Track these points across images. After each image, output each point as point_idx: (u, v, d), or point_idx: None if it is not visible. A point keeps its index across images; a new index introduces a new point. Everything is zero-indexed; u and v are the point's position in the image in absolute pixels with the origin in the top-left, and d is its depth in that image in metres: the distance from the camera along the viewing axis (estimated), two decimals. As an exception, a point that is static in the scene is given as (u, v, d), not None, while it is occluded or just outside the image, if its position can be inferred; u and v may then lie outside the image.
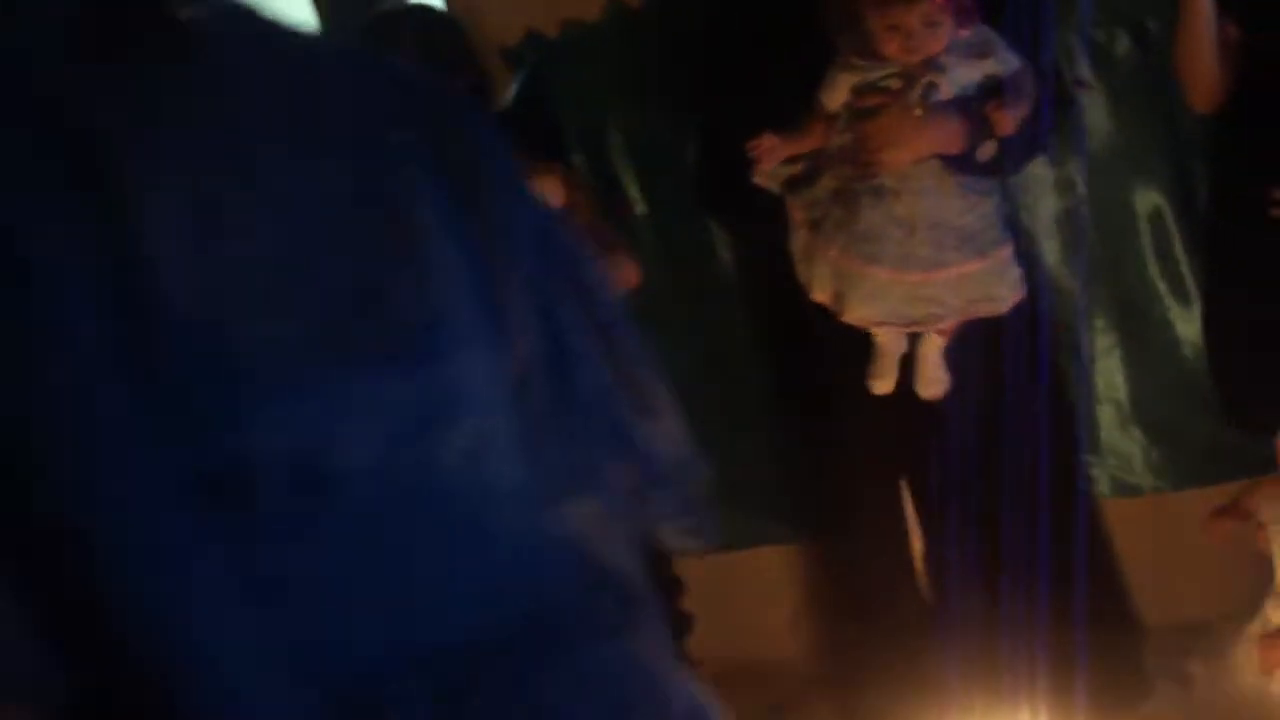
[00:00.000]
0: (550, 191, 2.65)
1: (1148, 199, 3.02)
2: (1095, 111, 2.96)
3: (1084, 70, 2.92)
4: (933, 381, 2.70)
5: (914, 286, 2.56)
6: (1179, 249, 3.03)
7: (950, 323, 2.61)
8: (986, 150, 2.55)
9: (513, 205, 0.83)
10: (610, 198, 3.03)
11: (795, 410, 2.92)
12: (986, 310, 2.60)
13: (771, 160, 2.55)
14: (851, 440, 2.78)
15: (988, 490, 2.66)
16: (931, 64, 2.50)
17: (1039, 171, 2.95)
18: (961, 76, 2.53)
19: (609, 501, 0.82)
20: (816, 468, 2.88)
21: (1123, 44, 2.92)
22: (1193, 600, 3.08)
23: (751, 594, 3.29)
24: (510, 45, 3.07)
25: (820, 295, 2.61)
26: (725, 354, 3.14)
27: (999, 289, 2.60)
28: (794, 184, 2.62)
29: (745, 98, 2.62)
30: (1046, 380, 2.81)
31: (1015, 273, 2.62)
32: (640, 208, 3.09)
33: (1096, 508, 2.96)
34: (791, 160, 2.59)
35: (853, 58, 2.53)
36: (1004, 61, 2.54)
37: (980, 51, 2.54)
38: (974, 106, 2.53)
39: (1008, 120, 2.53)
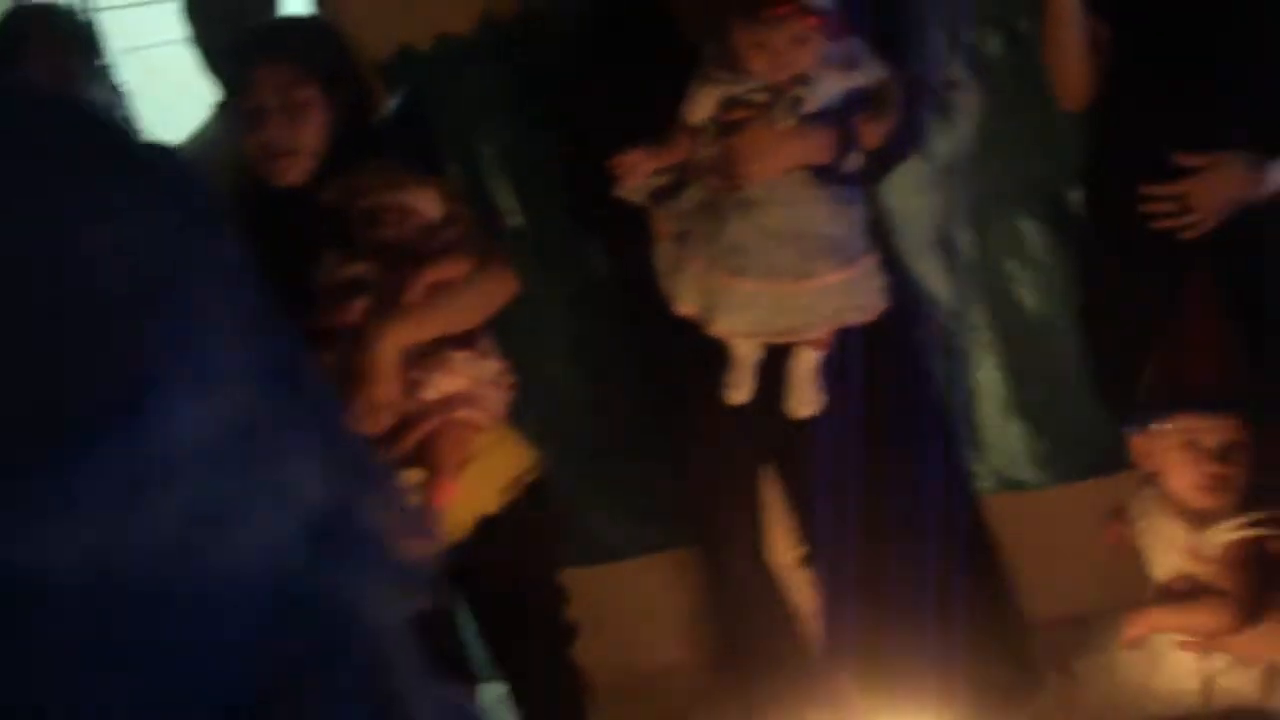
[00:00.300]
0: (428, 204, 2.63)
1: (1023, 196, 3.08)
2: (968, 109, 3.01)
3: (957, 71, 2.97)
4: (805, 401, 2.70)
5: (782, 297, 2.57)
6: (1055, 245, 3.09)
7: (820, 333, 2.62)
8: (853, 161, 2.57)
9: (212, 277, 0.75)
10: (486, 210, 3.01)
11: (668, 419, 2.90)
12: (855, 318, 2.61)
13: (636, 176, 2.54)
14: (721, 448, 2.79)
15: (866, 492, 2.67)
16: (798, 77, 2.50)
17: (914, 170, 2.97)
18: (829, 88, 2.53)
19: (338, 562, 0.76)
20: (688, 476, 2.89)
21: (994, 44, 2.98)
22: (1080, 594, 3.10)
23: (641, 602, 3.31)
24: (383, 59, 3.04)
25: (687, 308, 2.60)
26: (600, 365, 3.14)
27: (866, 297, 2.62)
28: (659, 196, 2.61)
29: (610, 111, 2.61)
30: (922, 382, 2.89)
31: (881, 280, 2.64)
32: (515, 219, 3.08)
33: (978, 504, 3.00)
34: (657, 172, 2.58)
35: (718, 71, 2.51)
36: (871, 72, 2.55)
37: (848, 63, 2.54)
38: (841, 118, 2.55)
39: (875, 132, 2.56)
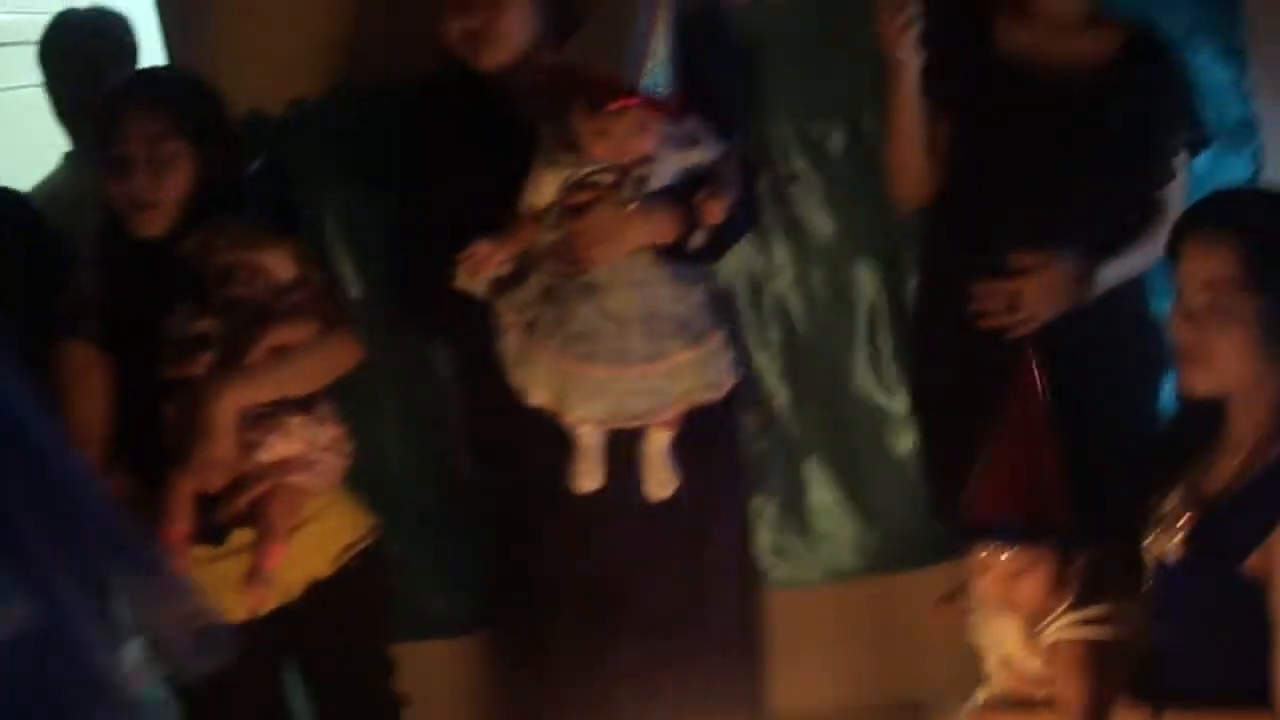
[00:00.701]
0: (280, 265, 2.62)
1: (861, 289, 3.11)
2: (809, 203, 3.04)
3: (797, 163, 3.01)
4: (662, 481, 2.68)
5: (634, 380, 2.56)
6: (889, 339, 3.12)
7: (672, 414, 2.61)
8: (697, 239, 2.57)
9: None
10: (326, 279, 2.94)
11: (499, 500, 2.87)
12: (706, 397, 2.62)
13: (486, 268, 2.52)
14: (550, 534, 2.75)
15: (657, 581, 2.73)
16: (642, 159, 2.51)
17: (752, 260, 3.03)
18: (670, 167, 2.53)
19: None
20: (516, 559, 2.85)
21: (837, 139, 3.01)
22: (912, 679, 3.18)
23: (470, 678, 3.27)
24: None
25: (539, 399, 2.58)
26: (437, 444, 3.10)
27: (716, 375, 2.62)
28: (502, 286, 2.58)
29: (445, 195, 2.60)
30: (731, 473, 2.89)
31: (729, 357, 2.65)
32: (355, 290, 3.04)
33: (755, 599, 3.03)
34: (501, 263, 2.55)
35: (561, 153, 2.51)
36: (709, 149, 2.56)
37: (688, 142, 2.55)
38: (683, 196, 2.55)
39: (717, 208, 2.55)
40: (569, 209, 2.50)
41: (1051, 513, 2.28)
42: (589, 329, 2.52)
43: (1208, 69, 3.06)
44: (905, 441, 3.11)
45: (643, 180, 2.51)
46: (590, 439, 2.63)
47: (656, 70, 2.43)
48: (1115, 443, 2.59)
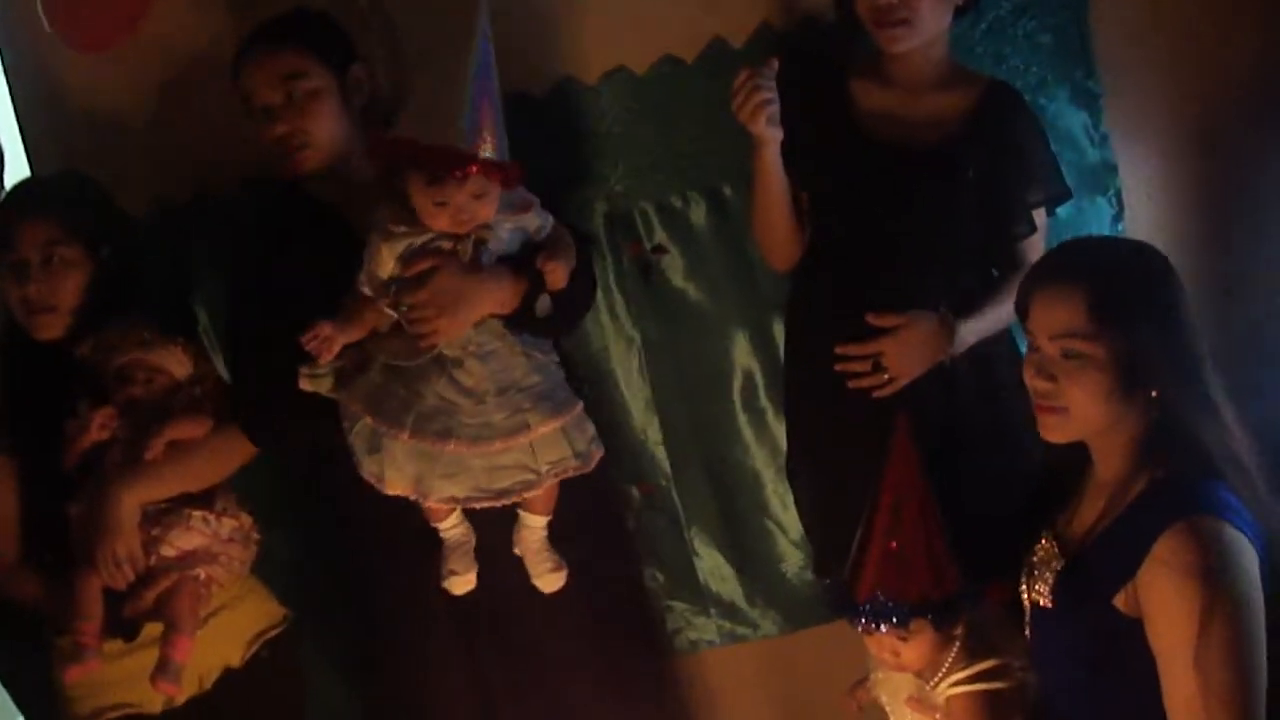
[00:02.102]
0: (174, 363, 2.68)
1: (735, 357, 3.10)
2: (676, 274, 3.05)
3: (660, 235, 3.02)
4: (549, 572, 2.67)
5: (496, 455, 2.51)
6: (766, 404, 3.12)
7: (542, 489, 2.57)
8: (543, 305, 2.55)
9: None
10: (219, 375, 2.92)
11: (370, 610, 2.83)
12: (575, 469, 2.58)
13: (330, 350, 2.46)
14: (433, 636, 2.74)
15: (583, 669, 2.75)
16: (480, 227, 2.49)
17: (623, 335, 3.05)
18: (506, 233, 2.52)
19: None
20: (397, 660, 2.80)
21: (699, 209, 3.02)
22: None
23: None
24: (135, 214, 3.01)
25: (396, 488, 2.51)
26: (319, 544, 3.04)
27: (582, 444, 2.58)
28: (345, 378, 2.52)
29: (282, 300, 2.55)
30: (627, 545, 2.97)
31: (592, 427, 2.63)
32: None
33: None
34: (341, 355, 2.51)
35: (395, 226, 2.47)
36: (541, 216, 2.56)
37: (522, 207, 2.54)
38: (523, 262, 2.53)
39: (559, 272, 2.54)
40: (410, 280, 2.47)
41: (934, 586, 2.28)
42: (443, 406, 2.48)
43: (1063, 114, 3.10)
44: (787, 504, 3.10)
45: (482, 243, 2.49)
46: (455, 534, 2.62)
47: (492, 137, 2.44)
48: (995, 496, 2.57)
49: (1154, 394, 2.09)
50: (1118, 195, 3.20)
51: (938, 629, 2.30)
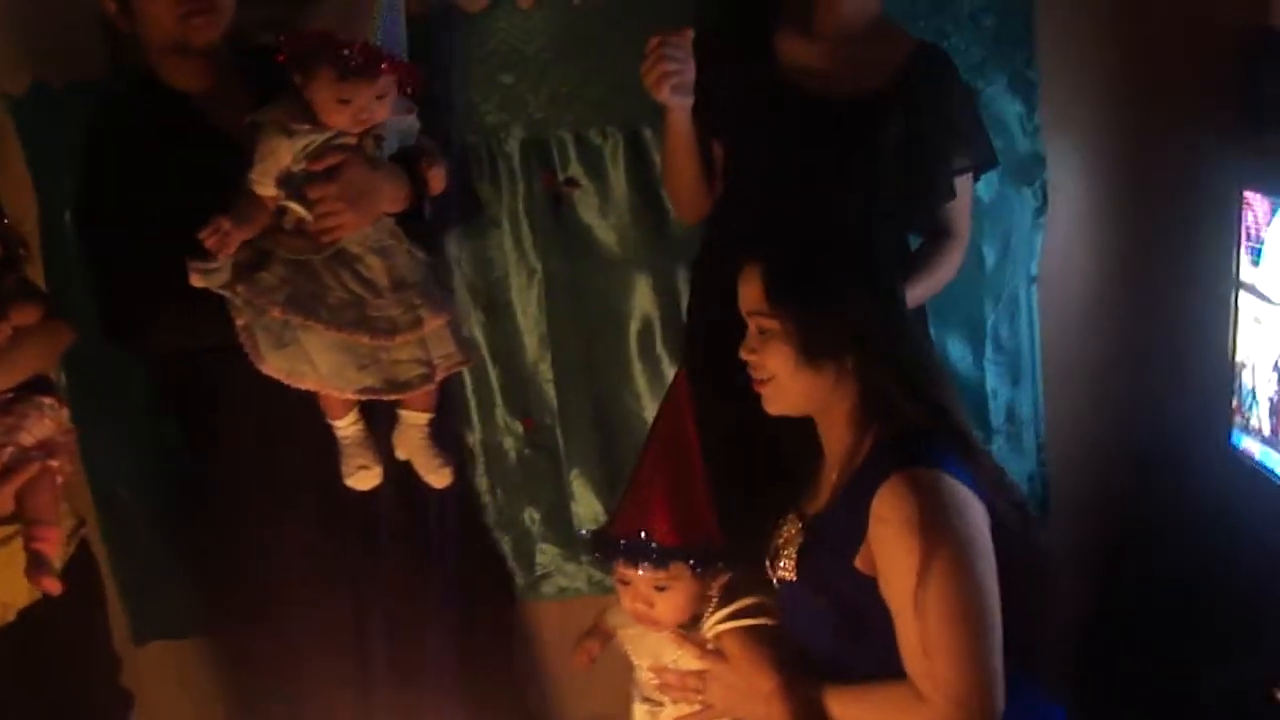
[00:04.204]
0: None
1: (636, 301, 3.09)
2: (587, 209, 3.02)
3: (575, 168, 2.99)
4: (435, 467, 2.68)
5: (396, 349, 2.52)
6: (662, 353, 3.11)
7: (435, 383, 2.58)
8: (427, 206, 2.58)
9: None
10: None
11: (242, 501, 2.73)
12: (460, 363, 2.61)
13: (229, 246, 2.39)
14: (282, 532, 2.69)
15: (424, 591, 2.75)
16: (376, 126, 2.50)
17: (525, 266, 3.02)
18: (393, 136, 2.54)
19: None
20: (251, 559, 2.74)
21: (616, 148, 2.99)
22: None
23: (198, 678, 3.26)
24: (15, 94, 2.95)
25: (307, 382, 2.48)
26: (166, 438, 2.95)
27: (462, 346, 2.61)
28: (242, 274, 2.46)
29: (139, 193, 2.47)
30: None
31: (464, 332, 2.65)
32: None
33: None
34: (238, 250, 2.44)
35: (292, 124, 2.45)
36: (415, 123, 2.59)
37: (405, 110, 2.56)
38: (409, 164, 2.55)
39: (439, 177, 2.58)
40: (317, 175, 2.45)
41: (695, 533, 2.27)
42: (351, 299, 2.48)
43: (999, 100, 3.09)
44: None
45: (380, 141, 2.51)
46: (355, 431, 2.61)
47: (401, 39, 2.45)
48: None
49: (848, 364, 2.17)
50: (1043, 188, 3.21)
51: (696, 575, 2.27)
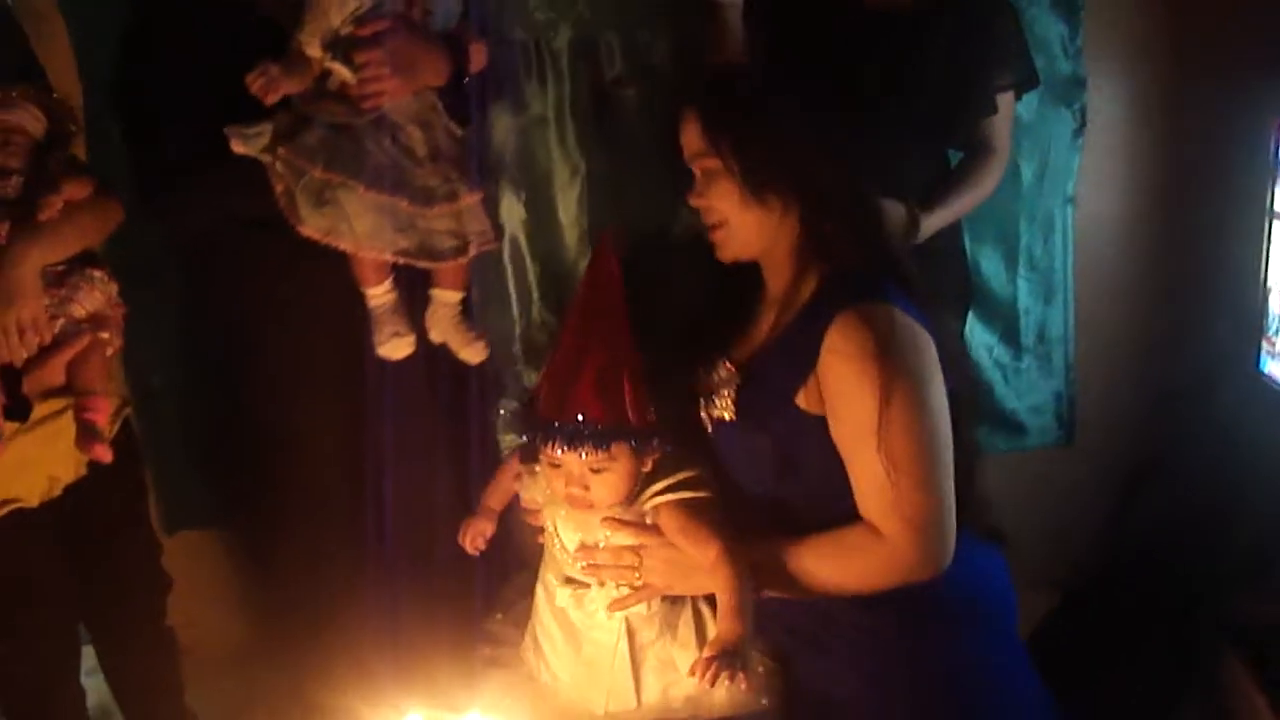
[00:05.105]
0: (31, 121, 2.53)
1: (678, 206, 2.79)
2: (629, 109, 2.96)
3: (621, 69, 2.94)
4: (469, 342, 2.70)
5: (434, 219, 2.54)
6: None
7: (469, 258, 2.59)
8: (469, 84, 2.58)
9: None
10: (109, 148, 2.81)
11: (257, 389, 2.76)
12: (488, 245, 2.62)
13: (276, 92, 2.39)
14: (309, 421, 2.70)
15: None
16: None
17: (569, 163, 2.97)
18: (442, 11, 2.54)
19: None
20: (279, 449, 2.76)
21: (663, 47, 2.94)
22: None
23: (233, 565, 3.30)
24: None
25: (345, 241, 2.47)
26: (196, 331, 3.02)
27: (490, 225, 2.63)
28: (281, 137, 2.45)
29: (179, 66, 2.48)
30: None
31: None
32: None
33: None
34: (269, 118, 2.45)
35: None
36: (460, 4, 2.59)
37: None
38: (452, 39, 2.55)
39: (482, 54, 2.58)
40: (364, 39, 2.45)
41: (635, 411, 2.20)
42: (391, 163, 2.49)
43: (1042, 20, 3.11)
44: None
45: (428, 12, 2.51)
46: (388, 300, 2.62)
47: None
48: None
49: (793, 200, 2.20)
50: (1082, 110, 3.22)
51: (635, 454, 2.21)
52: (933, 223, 2.73)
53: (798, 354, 2.14)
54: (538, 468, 2.32)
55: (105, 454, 2.51)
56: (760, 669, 2.22)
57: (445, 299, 2.68)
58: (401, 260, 2.53)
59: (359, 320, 2.64)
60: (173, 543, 3.08)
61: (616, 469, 2.21)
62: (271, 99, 2.40)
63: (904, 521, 2.07)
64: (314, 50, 2.46)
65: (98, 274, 2.58)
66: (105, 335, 2.58)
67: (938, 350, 2.15)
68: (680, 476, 2.25)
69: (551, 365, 2.27)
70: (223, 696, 3.10)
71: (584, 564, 2.28)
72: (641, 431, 2.20)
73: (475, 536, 2.50)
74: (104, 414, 2.53)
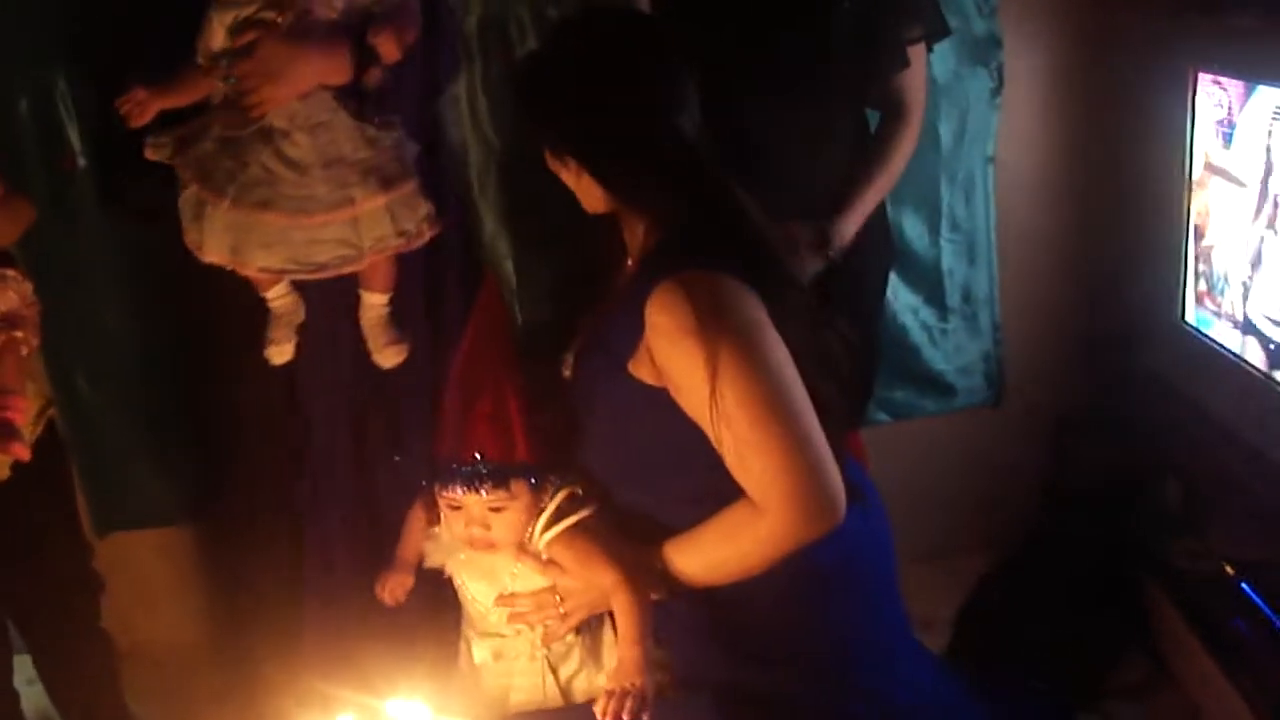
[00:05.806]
0: None
1: None
2: None
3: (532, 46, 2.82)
4: (382, 346, 2.67)
5: (315, 229, 2.49)
6: None
7: (365, 264, 2.55)
8: (373, 77, 2.51)
9: None
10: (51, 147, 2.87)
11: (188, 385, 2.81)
12: (398, 247, 2.55)
13: (143, 115, 2.45)
14: (243, 416, 2.72)
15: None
16: None
17: (483, 141, 2.91)
18: (341, 2, 2.49)
19: None
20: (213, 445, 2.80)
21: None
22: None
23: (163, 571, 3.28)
24: None
25: (213, 255, 2.49)
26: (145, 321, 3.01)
27: (409, 223, 2.55)
28: (183, 145, 2.51)
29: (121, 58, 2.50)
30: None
31: (426, 207, 2.58)
32: (82, 160, 2.90)
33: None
34: (180, 123, 2.49)
35: None
36: None
37: None
38: (355, 33, 2.48)
39: (391, 44, 2.48)
40: (236, 51, 2.44)
41: (526, 448, 2.18)
42: (266, 177, 2.47)
43: None
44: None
45: (306, 14, 2.46)
46: (282, 305, 2.61)
47: None
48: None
49: (617, 169, 2.12)
50: (999, 69, 3.21)
51: (532, 489, 2.17)
52: (849, 227, 2.70)
53: (627, 321, 2.07)
54: (437, 529, 2.30)
55: (24, 452, 2.47)
56: (666, 679, 2.20)
57: (370, 301, 2.66)
58: (265, 277, 2.54)
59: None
60: (108, 545, 3.05)
61: (515, 506, 2.17)
62: (139, 122, 2.46)
63: (772, 488, 1.97)
64: (202, 62, 2.49)
65: (11, 273, 2.54)
66: (20, 334, 2.54)
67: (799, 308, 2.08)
68: (557, 503, 2.20)
69: (443, 407, 2.23)
70: (165, 699, 3.08)
71: (508, 613, 2.25)
72: (537, 467, 2.17)
73: (395, 589, 2.44)
74: (21, 413, 2.48)
